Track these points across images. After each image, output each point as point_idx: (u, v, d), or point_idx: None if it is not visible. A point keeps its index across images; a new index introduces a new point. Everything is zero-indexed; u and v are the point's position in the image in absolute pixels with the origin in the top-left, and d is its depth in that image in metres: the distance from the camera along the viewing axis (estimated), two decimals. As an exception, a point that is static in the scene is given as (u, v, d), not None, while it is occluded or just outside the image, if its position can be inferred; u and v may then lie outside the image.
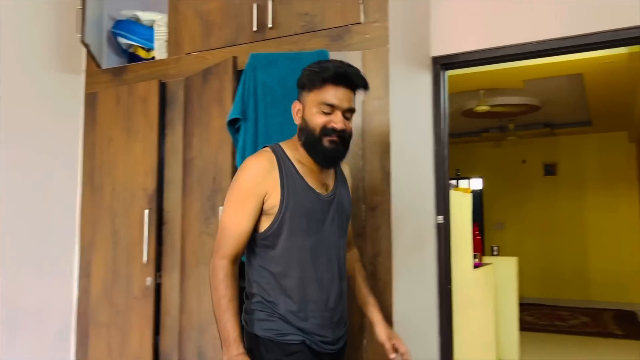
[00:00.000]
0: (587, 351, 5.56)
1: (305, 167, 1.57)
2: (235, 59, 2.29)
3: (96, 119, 2.81)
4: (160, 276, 2.54)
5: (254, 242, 1.55)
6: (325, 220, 1.57)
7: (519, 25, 2.58)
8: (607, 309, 7.66)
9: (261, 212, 1.52)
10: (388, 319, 2.03)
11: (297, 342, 1.51)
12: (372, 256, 2.07)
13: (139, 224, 2.56)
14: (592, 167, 8.17)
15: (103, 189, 2.73)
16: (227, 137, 2.22)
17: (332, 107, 1.50)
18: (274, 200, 1.50)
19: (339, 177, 1.67)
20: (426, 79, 2.68)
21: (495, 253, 5.08)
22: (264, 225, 1.53)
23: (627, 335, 6.15)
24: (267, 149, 1.58)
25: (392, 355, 1.64)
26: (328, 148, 1.52)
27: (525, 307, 7.23)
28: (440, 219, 2.69)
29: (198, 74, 2.47)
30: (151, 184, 2.57)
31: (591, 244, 8.08)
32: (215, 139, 2.33)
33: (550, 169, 8.47)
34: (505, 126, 7.24)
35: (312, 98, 1.53)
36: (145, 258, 2.52)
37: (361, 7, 2.20)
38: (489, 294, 4.08)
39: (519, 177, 8.60)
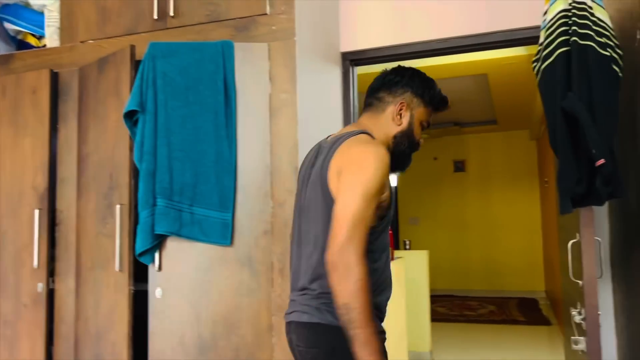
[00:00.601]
0: (494, 338, 5.87)
1: None
2: (133, 47, 2.16)
3: (-21, 112, 2.55)
4: (53, 281, 2.35)
5: None
6: None
7: (425, 23, 2.63)
8: (512, 298, 8.13)
9: None
10: (295, 316, 1.99)
11: (385, 338, 1.49)
12: (280, 253, 2.02)
13: (28, 226, 2.35)
14: (498, 164, 8.63)
15: (-13, 188, 2.49)
16: (125, 131, 2.09)
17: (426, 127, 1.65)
18: (387, 194, 1.45)
19: None
20: (336, 74, 2.68)
21: (407, 247, 5.21)
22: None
23: (529, 322, 6.55)
24: (369, 137, 1.52)
25: None
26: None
27: (437, 299, 7.52)
28: (351, 214, 2.69)
29: (93, 64, 2.31)
30: (42, 182, 2.37)
31: (497, 236, 8.54)
32: (112, 133, 2.18)
33: (459, 166, 8.86)
34: (417, 124, 7.47)
35: (423, 112, 1.62)
36: (36, 262, 2.31)
37: (267, -3, 2.14)
38: (400, 286, 4.17)
39: (431, 174, 8.92)
